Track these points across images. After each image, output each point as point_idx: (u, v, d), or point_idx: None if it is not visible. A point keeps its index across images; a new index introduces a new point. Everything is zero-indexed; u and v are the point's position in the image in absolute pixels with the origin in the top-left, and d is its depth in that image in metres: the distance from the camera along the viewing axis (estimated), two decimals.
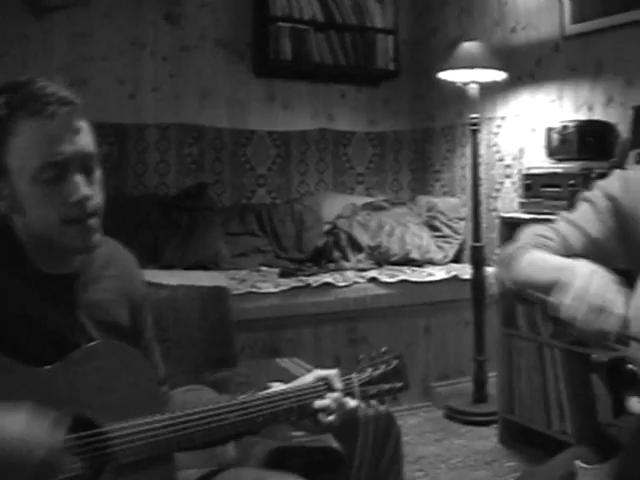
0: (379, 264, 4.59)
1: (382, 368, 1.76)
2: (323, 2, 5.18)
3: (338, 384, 1.67)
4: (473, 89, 4.22)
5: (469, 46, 4.17)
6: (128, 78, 4.87)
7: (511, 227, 3.66)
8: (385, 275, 4.33)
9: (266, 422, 1.61)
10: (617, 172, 1.86)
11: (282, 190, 5.33)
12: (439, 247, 4.78)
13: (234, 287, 3.90)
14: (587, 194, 1.82)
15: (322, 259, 4.64)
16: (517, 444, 3.76)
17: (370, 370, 1.74)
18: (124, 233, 4.18)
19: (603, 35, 4.00)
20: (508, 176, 4.73)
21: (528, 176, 3.79)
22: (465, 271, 4.45)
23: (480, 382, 4.29)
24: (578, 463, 1.48)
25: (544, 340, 3.51)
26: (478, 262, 4.18)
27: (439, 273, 4.49)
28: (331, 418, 1.64)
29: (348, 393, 1.69)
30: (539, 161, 4.07)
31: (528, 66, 4.57)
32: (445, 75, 4.27)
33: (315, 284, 4.13)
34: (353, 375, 1.71)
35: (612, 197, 1.78)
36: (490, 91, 4.61)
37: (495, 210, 4.80)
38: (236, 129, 5.19)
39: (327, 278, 4.21)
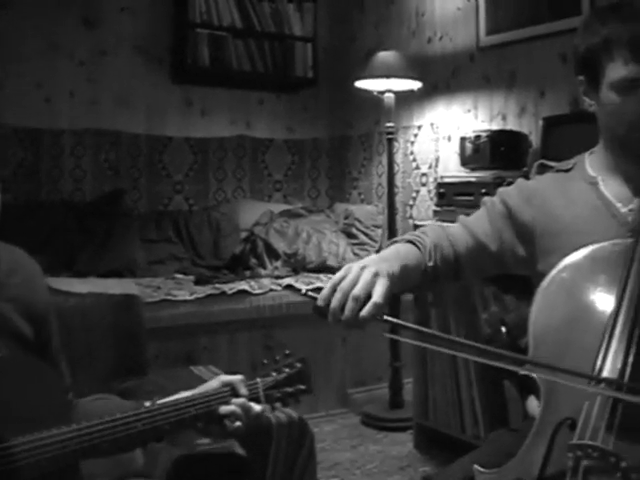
0: (296, 271, 4.60)
1: (286, 372, 1.77)
2: (242, 9, 5.16)
3: (243, 389, 1.67)
4: (389, 98, 4.26)
5: (385, 55, 4.21)
6: (44, 82, 4.78)
7: None
8: (301, 282, 4.33)
9: (172, 429, 1.60)
10: (519, 181, 1.94)
11: (199, 197, 5.29)
12: (356, 254, 4.80)
13: (149, 295, 3.88)
14: (486, 199, 1.90)
15: (239, 266, 4.63)
16: (432, 449, 3.80)
17: (274, 374, 1.75)
18: (38, 239, 4.19)
19: (516, 47, 4.08)
20: (424, 184, 4.78)
21: (442, 184, 3.84)
22: None
23: (396, 388, 4.32)
24: (476, 467, 1.50)
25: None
26: None
27: None
28: (237, 424, 1.64)
29: (253, 398, 1.69)
30: (454, 170, 4.13)
31: (444, 76, 4.64)
32: (361, 84, 4.31)
33: (230, 291, 4.11)
34: (258, 380, 1.72)
35: (508, 204, 1.85)
36: (407, 100, 4.66)
37: (411, 218, 4.85)
38: (153, 135, 5.14)
39: (243, 285, 4.19)
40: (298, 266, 4.63)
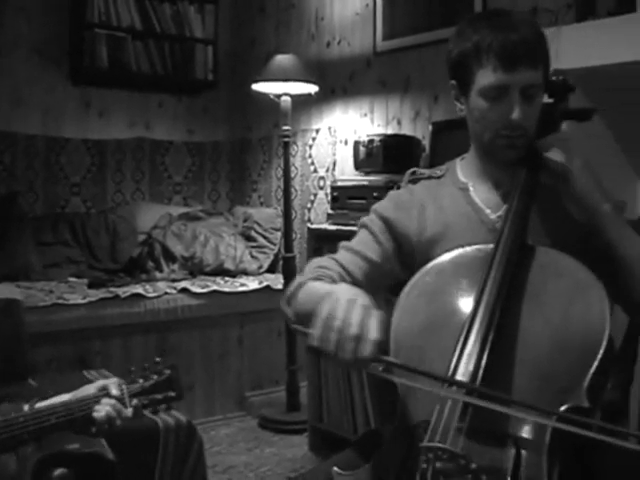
0: (193, 274, 4.57)
1: (154, 379, 1.76)
2: (142, 10, 5.09)
3: (115, 391, 1.68)
4: (286, 101, 4.27)
5: (282, 59, 4.21)
6: None
7: (319, 238, 3.74)
8: (197, 286, 4.31)
9: (43, 433, 1.60)
10: (391, 193, 1.95)
11: (97, 199, 5.21)
12: (254, 257, 4.80)
13: (41, 299, 3.82)
14: (363, 219, 1.89)
15: (136, 270, 4.59)
16: (326, 451, 3.81)
17: (141, 381, 1.75)
18: None
19: (411, 52, 4.13)
20: (322, 188, 4.80)
21: (335, 188, 3.87)
22: (278, 281, 4.49)
23: (293, 391, 4.33)
24: (335, 469, 1.51)
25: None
26: (289, 273, 4.21)
27: (252, 283, 4.50)
28: (106, 425, 1.65)
29: (123, 404, 1.70)
30: (350, 173, 4.16)
31: (341, 80, 4.67)
32: (259, 87, 4.30)
33: (124, 295, 4.06)
34: (123, 387, 1.71)
35: (385, 218, 1.86)
36: (305, 104, 4.68)
37: (309, 221, 4.87)
38: (50, 137, 5.04)
39: (137, 289, 4.15)
40: (195, 269, 4.60)
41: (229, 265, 4.63)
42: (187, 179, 5.62)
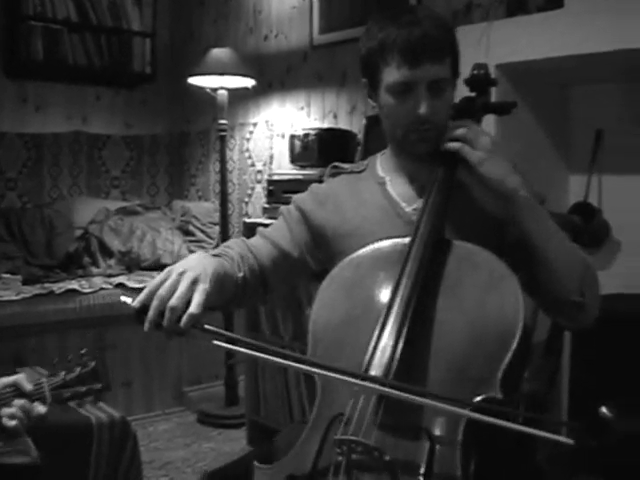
0: (130, 269, 4.54)
1: (77, 371, 1.73)
2: (78, 2, 5.00)
3: (28, 386, 1.65)
4: (222, 95, 4.25)
5: (219, 52, 4.20)
6: None
7: (254, 232, 3.72)
8: (133, 281, 4.28)
9: None
10: (312, 185, 1.98)
11: (33, 194, 5.13)
12: (192, 251, 4.77)
13: None
14: (283, 208, 1.92)
15: (72, 265, 4.54)
16: (264, 444, 3.82)
17: (63, 373, 1.72)
18: None
19: (347, 46, 4.13)
20: (259, 181, 4.80)
21: (271, 182, 3.86)
22: None
23: (231, 385, 4.34)
24: (255, 463, 1.52)
25: (285, 343, 3.59)
26: None
27: None
28: (14, 423, 1.61)
29: (39, 398, 1.66)
30: (287, 167, 4.16)
31: (279, 74, 4.67)
32: (195, 80, 4.28)
33: (59, 291, 4.02)
34: (43, 380, 1.69)
35: (302, 209, 1.89)
36: (243, 97, 4.67)
37: (247, 215, 4.86)
38: None
39: (73, 285, 4.11)
40: (132, 264, 4.57)
41: (166, 260, 4.60)
42: (125, 173, 5.56)
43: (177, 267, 1.51)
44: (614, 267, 3.39)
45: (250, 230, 3.75)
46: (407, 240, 1.63)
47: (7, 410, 1.61)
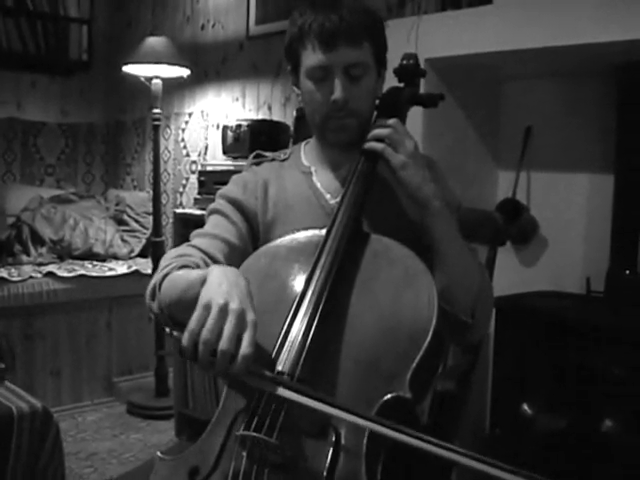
0: (61, 258, 4.49)
1: None
2: None
3: None
4: (156, 84, 4.22)
5: (153, 41, 4.16)
6: None
7: (186, 223, 3.72)
8: (64, 270, 4.24)
9: None
10: (234, 177, 1.93)
11: None
12: (125, 242, 4.74)
13: None
14: (212, 206, 1.86)
15: (2, 253, 4.48)
16: (193, 436, 3.79)
17: None
18: None
19: (283, 37, 4.10)
20: (194, 172, 4.77)
21: (202, 173, 3.86)
22: (148, 266, 4.45)
23: (161, 376, 4.32)
24: (158, 453, 1.51)
25: None
26: (158, 257, 4.16)
27: (121, 268, 4.45)
28: None
29: None
30: (221, 158, 4.14)
31: (215, 64, 4.65)
32: (130, 69, 4.24)
33: None
34: None
35: (234, 200, 1.84)
36: (179, 87, 4.66)
37: (182, 205, 4.84)
38: None
39: (1, 273, 4.05)
40: (64, 253, 4.52)
41: (98, 249, 4.57)
42: (60, 161, 5.50)
43: (215, 297, 1.31)
44: (540, 264, 3.41)
45: (181, 221, 3.75)
46: (324, 231, 1.60)
47: None
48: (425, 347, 1.41)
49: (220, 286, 1.34)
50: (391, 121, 1.69)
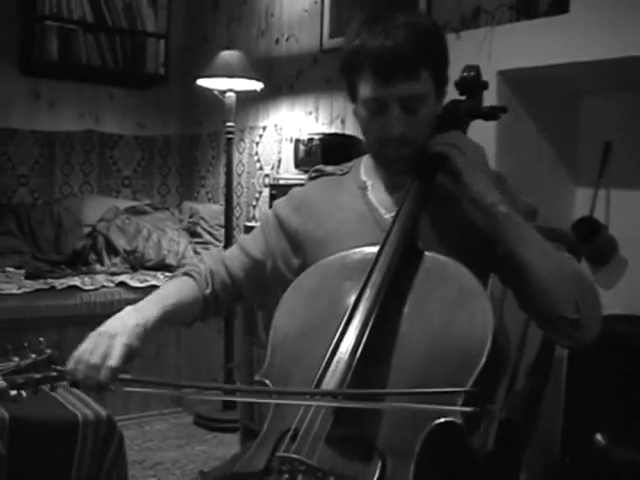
0: (134, 268, 4.55)
1: (32, 357, 1.71)
2: (94, 3, 5.02)
3: None
4: (230, 98, 4.25)
5: (227, 55, 4.20)
6: None
7: None
8: (136, 280, 4.29)
9: None
10: (292, 190, 1.93)
11: (45, 191, 5.18)
12: (197, 253, 4.78)
13: None
14: (262, 214, 1.90)
15: (79, 262, 4.56)
16: None
17: (17, 359, 1.70)
18: None
19: None
20: (267, 185, 4.78)
21: (273, 186, 3.86)
22: None
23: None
24: (200, 472, 1.50)
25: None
26: None
27: None
28: None
29: None
30: (294, 172, 4.14)
31: (288, 77, 4.66)
32: (204, 82, 4.28)
33: (60, 287, 4.04)
34: None
35: (278, 216, 1.85)
36: (253, 100, 4.68)
37: (254, 218, 4.85)
38: None
39: (74, 281, 4.12)
40: (136, 263, 4.57)
41: (171, 260, 4.61)
42: (136, 173, 5.59)
43: (96, 330, 1.60)
44: (619, 286, 3.24)
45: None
46: (377, 248, 1.55)
47: None
48: (478, 372, 1.34)
49: (106, 322, 1.65)
50: (452, 132, 1.64)
